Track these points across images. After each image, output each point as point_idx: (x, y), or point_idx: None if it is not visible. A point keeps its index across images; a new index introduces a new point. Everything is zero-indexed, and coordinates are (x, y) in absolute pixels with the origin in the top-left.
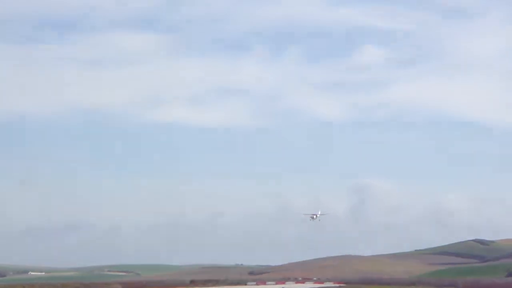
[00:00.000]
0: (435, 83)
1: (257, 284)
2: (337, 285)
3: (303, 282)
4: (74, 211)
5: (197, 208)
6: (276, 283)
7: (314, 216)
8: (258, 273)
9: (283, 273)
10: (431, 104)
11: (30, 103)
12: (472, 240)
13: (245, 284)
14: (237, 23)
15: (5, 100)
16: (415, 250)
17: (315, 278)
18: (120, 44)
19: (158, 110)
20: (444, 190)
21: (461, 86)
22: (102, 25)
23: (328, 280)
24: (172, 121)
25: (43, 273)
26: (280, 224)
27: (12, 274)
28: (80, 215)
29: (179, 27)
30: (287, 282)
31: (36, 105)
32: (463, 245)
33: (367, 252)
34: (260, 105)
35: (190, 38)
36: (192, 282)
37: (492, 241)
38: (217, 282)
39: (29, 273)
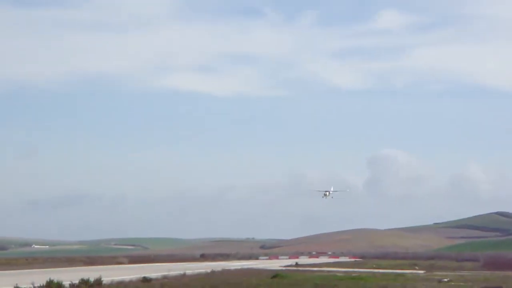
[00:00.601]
0: (456, 49)
1: (269, 259)
2: (352, 259)
3: (317, 257)
4: (79, 182)
5: (207, 180)
6: (289, 258)
7: (327, 193)
8: (270, 247)
9: (296, 247)
10: (453, 72)
11: (31, 70)
12: (494, 213)
13: (257, 259)
14: None
15: (4, 68)
16: (434, 223)
17: (329, 252)
18: (126, 9)
19: (165, 78)
20: (466, 161)
21: (485, 53)
22: None
23: (343, 254)
24: (180, 89)
25: (47, 247)
26: (293, 196)
27: (14, 247)
28: (86, 187)
29: None
30: (300, 257)
31: (38, 73)
32: (485, 218)
33: (383, 225)
34: (272, 73)
35: (199, 2)
36: (202, 256)
37: None
38: (228, 256)
39: (32, 246)
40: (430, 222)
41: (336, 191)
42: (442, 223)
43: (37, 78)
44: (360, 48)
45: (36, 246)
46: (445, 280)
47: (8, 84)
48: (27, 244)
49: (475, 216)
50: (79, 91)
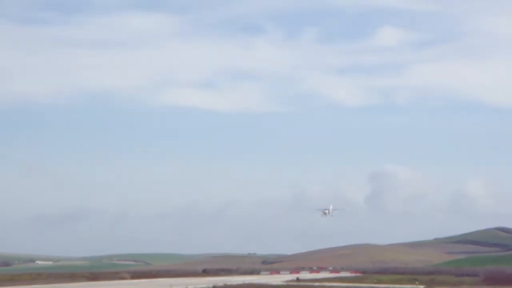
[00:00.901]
0: (457, 65)
1: (270, 274)
2: (353, 274)
3: (318, 272)
4: (82, 198)
5: (209, 196)
6: (290, 273)
7: (326, 212)
8: (271, 262)
9: (297, 262)
10: (452, 88)
11: (35, 87)
12: (495, 228)
13: (258, 274)
14: (249, 4)
15: (9, 84)
16: (434, 239)
17: (330, 268)
18: (128, 25)
19: (167, 94)
20: (466, 177)
21: (484, 69)
22: (109, 6)
23: (344, 269)
24: (182, 105)
25: (51, 262)
26: (294, 212)
27: (18, 263)
28: (89, 203)
29: (190, 8)
30: (301, 272)
31: (41, 89)
32: (485, 233)
33: (384, 241)
34: (273, 89)
35: (201, 20)
36: (204, 271)
37: None
38: (229, 272)
39: (36, 262)
40: (430, 237)
41: (335, 209)
42: (442, 238)
43: (40, 95)
44: (361, 64)
45: (39, 262)
46: None
47: (12, 100)
48: (31, 260)
49: (475, 232)
50: (82, 107)
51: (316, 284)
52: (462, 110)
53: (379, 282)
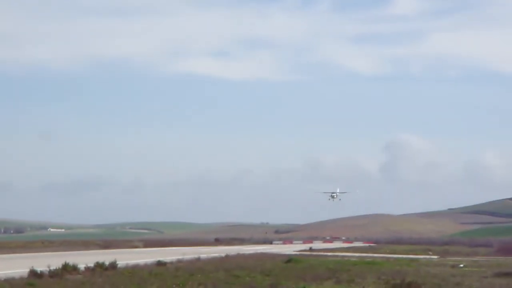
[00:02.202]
0: (473, 34)
1: (283, 243)
2: (366, 244)
3: (331, 242)
4: (95, 166)
5: (222, 165)
6: (303, 242)
7: (334, 195)
8: (284, 232)
9: (310, 232)
10: (469, 57)
11: (47, 54)
12: (508, 199)
13: (271, 243)
14: None
15: (21, 51)
16: (448, 209)
17: (343, 238)
18: None
19: (181, 62)
20: (481, 147)
21: (501, 37)
22: None
23: (357, 239)
24: (196, 73)
25: (63, 230)
26: (308, 181)
27: (30, 230)
28: (102, 171)
29: None
30: (314, 241)
31: (54, 56)
32: (499, 203)
33: (398, 211)
34: (288, 58)
35: None
36: (217, 240)
37: None
38: (242, 241)
39: (48, 229)
40: (444, 207)
41: (343, 192)
42: (456, 208)
43: (53, 62)
44: (377, 33)
45: (52, 230)
46: (461, 265)
47: (25, 68)
48: (43, 227)
49: (489, 202)
50: (97, 76)
51: (329, 253)
52: (478, 80)
53: (392, 252)
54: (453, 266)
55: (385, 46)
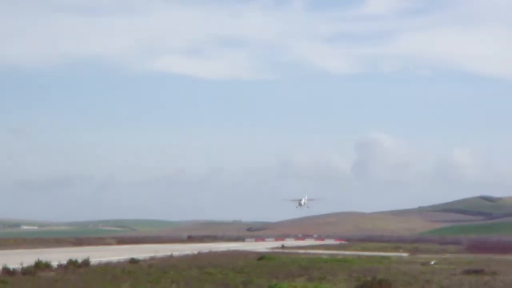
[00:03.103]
0: (444, 34)
1: (256, 241)
2: (338, 242)
3: (303, 239)
4: (68, 163)
5: (195, 163)
6: (276, 240)
7: (302, 202)
8: (256, 230)
9: (282, 229)
10: (440, 56)
11: (20, 51)
12: (478, 197)
13: (244, 241)
14: None
15: None
16: (419, 207)
17: (315, 235)
18: None
19: (154, 61)
20: (451, 145)
21: (472, 38)
22: None
23: (329, 237)
24: (170, 71)
25: (36, 227)
26: (280, 179)
27: (3, 228)
28: (75, 168)
29: None
30: (286, 239)
31: (27, 54)
32: (469, 202)
33: (369, 209)
34: (262, 56)
35: None
36: (189, 238)
37: (500, 198)
38: (215, 238)
39: (21, 227)
40: (415, 206)
41: (311, 199)
42: (427, 206)
43: (26, 59)
44: (350, 32)
45: (24, 227)
46: (432, 263)
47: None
48: (16, 225)
49: (459, 200)
50: (68, 73)
51: (301, 251)
52: (449, 79)
53: (363, 249)
54: (423, 264)
55: (357, 45)
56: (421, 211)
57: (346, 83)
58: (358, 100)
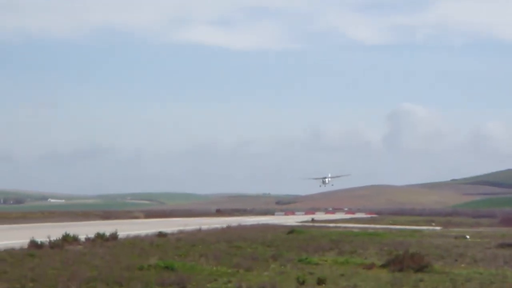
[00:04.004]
0: (479, 1)
1: (285, 214)
2: (369, 215)
3: (333, 213)
4: (96, 136)
5: (225, 135)
6: (305, 213)
7: (326, 180)
8: (286, 203)
9: (312, 203)
10: (474, 24)
11: (48, 23)
12: None
13: (273, 214)
14: None
15: (21, 19)
16: (451, 180)
17: (346, 208)
18: None
19: (182, 31)
20: (485, 117)
21: (508, 6)
22: None
23: (359, 210)
24: (198, 42)
25: (63, 200)
26: (311, 152)
27: (30, 201)
28: (103, 141)
29: None
30: (316, 212)
31: (54, 25)
32: (503, 174)
33: (401, 181)
34: (290, 27)
35: None
36: (218, 211)
37: None
38: (243, 212)
39: (48, 200)
40: (447, 178)
41: (338, 176)
42: (460, 179)
43: (53, 31)
44: (382, 1)
45: (52, 200)
46: (467, 237)
47: (25, 36)
48: (43, 198)
49: (493, 173)
50: (98, 45)
51: (331, 225)
52: (483, 48)
53: (395, 223)
54: (456, 237)
55: (389, 14)
56: (454, 184)
57: (377, 52)
58: (390, 70)
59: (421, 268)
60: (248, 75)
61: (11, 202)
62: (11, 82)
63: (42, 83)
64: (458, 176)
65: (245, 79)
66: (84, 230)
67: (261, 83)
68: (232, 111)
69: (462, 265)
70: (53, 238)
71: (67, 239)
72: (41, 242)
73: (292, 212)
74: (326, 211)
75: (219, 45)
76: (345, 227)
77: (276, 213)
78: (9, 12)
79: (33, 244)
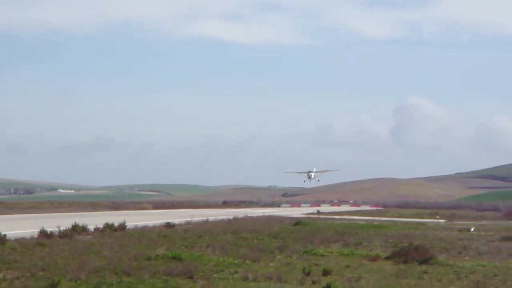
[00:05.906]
0: None
1: (291, 206)
2: (374, 208)
3: (339, 205)
4: (106, 129)
5: (232, 128)
6: (311, 205)
7: (312, 175)
8: (292, 195)
9: (318, 195)
10: (481, 21)
11: (59, 17)
12: None
13: (279, 206)
14: None
15: (34, 13)
16: (456, 173)
17: (351, 201)
18: None
19: (193, 25)
20: (490, 112)
21: None
22: None
23: (365, 203)
24: (208, 37)
25: (72, 191)
26: (317, 145)
27: (40, 191)
28: (112, 133)
29: None
30: (322, 205)
31: (66, 19)
32: (507, 168)
33: (406, 175)
34: (300, 22)
35: None
36: (225, 203)
37: None
38: (250, 204)
39: (58, 190)
40: (452, 172)
41: (321, 171)
42: (465, 173)
43: (65, 24)
44: None
45: (61, 191)
46: (472, 229)
47: (37, 30)
48: (53, 188)
49: (497, 166)
50: (107, 38)
51: (337, 217)
52: (490, 44)
53: (399, 216)
54: (460, 230)
55: (397, 10)
56: (459, 177)
57: (386, 48)
58: (398, 65)
59: (425, 260)
60: (257, 69)
61: (22, 192)
62: (24, 75)
63: (54, 77)
64: (463, 169)
65: (254, 73)
66: (93, 220)
67: (270, 77)
68: (241, 104)
69: (466, 257)
70: (62, 228)
71: (76, 229)
72: (50, 231)
73: (298, 204)
74: (332, 203)
75: (228, 39)
76: (350, 220)
77: (282, 205)
78: (19, 6)
79: (43, 233)
